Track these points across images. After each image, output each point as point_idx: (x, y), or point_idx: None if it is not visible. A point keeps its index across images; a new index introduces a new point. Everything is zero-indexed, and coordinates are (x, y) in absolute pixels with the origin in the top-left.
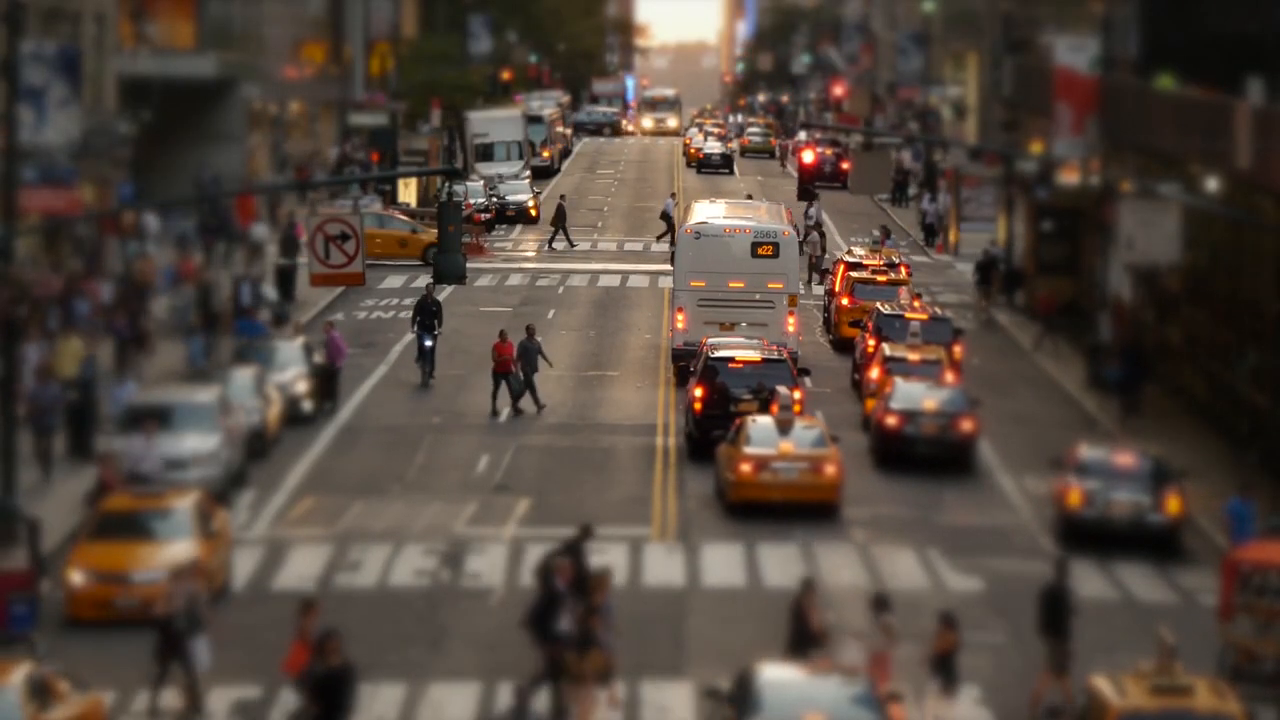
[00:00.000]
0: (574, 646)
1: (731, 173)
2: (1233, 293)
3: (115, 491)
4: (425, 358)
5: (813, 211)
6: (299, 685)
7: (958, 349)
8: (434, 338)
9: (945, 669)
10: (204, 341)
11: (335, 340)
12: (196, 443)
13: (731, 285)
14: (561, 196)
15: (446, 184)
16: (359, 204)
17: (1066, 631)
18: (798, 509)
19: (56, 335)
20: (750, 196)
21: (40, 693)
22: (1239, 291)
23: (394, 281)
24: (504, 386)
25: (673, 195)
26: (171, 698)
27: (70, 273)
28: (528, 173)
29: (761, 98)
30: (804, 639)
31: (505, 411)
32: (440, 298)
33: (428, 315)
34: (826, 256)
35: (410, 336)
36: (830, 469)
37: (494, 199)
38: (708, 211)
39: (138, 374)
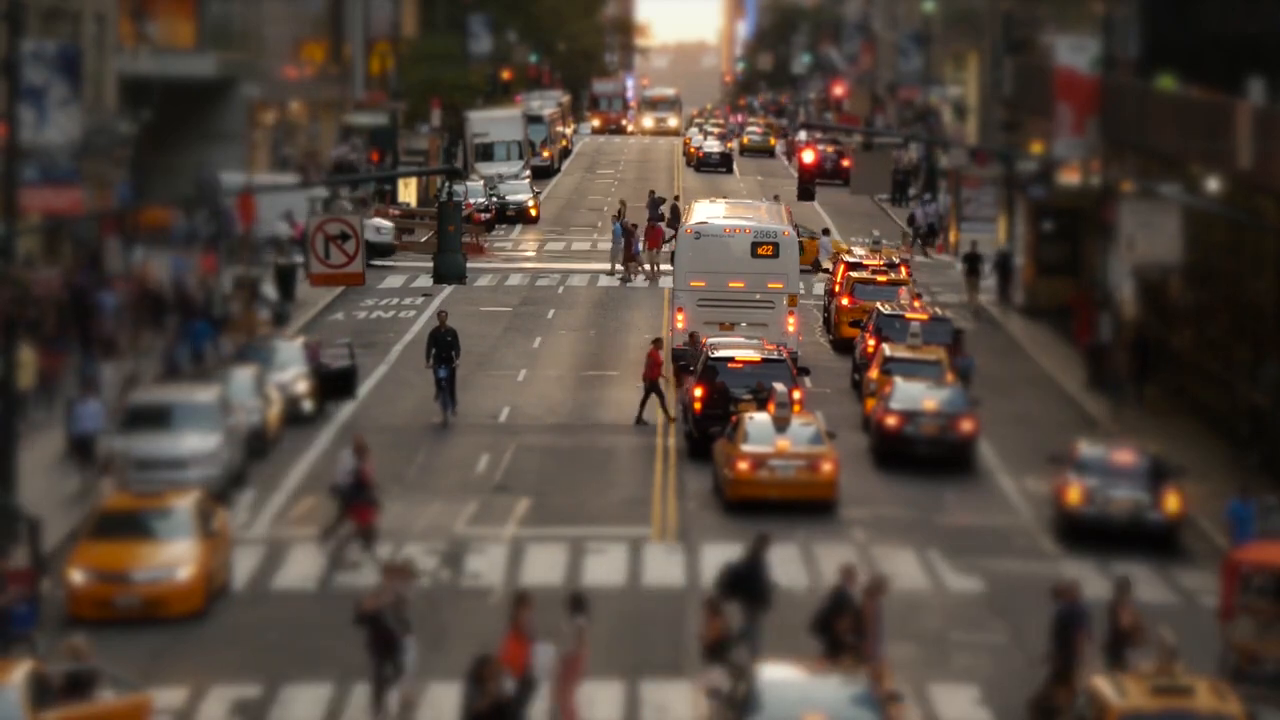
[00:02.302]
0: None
1: (731, 172)
2: (1234, 294)
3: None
4: (444, 392)
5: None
6: (520, 683)
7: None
8: (451, 370)
9: (717, 657)
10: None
11: (313, 351)
12: (196, 443)
13: (731, 285)
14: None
15: (446, 184)
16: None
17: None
18: (795, 506)
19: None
20: (777, 197)
21: (40, 692)
22: (1240, 293)
23: (394, 281)
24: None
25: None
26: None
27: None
28: (528, 173)
29: (761, 98)
30: (1117, 639)
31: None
32: (438, 297)
33: (443, 347)
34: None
35: (409, 335)
36: (827, 467)
37: (494, 199)
38: (708, 211)
39: (100, 389)
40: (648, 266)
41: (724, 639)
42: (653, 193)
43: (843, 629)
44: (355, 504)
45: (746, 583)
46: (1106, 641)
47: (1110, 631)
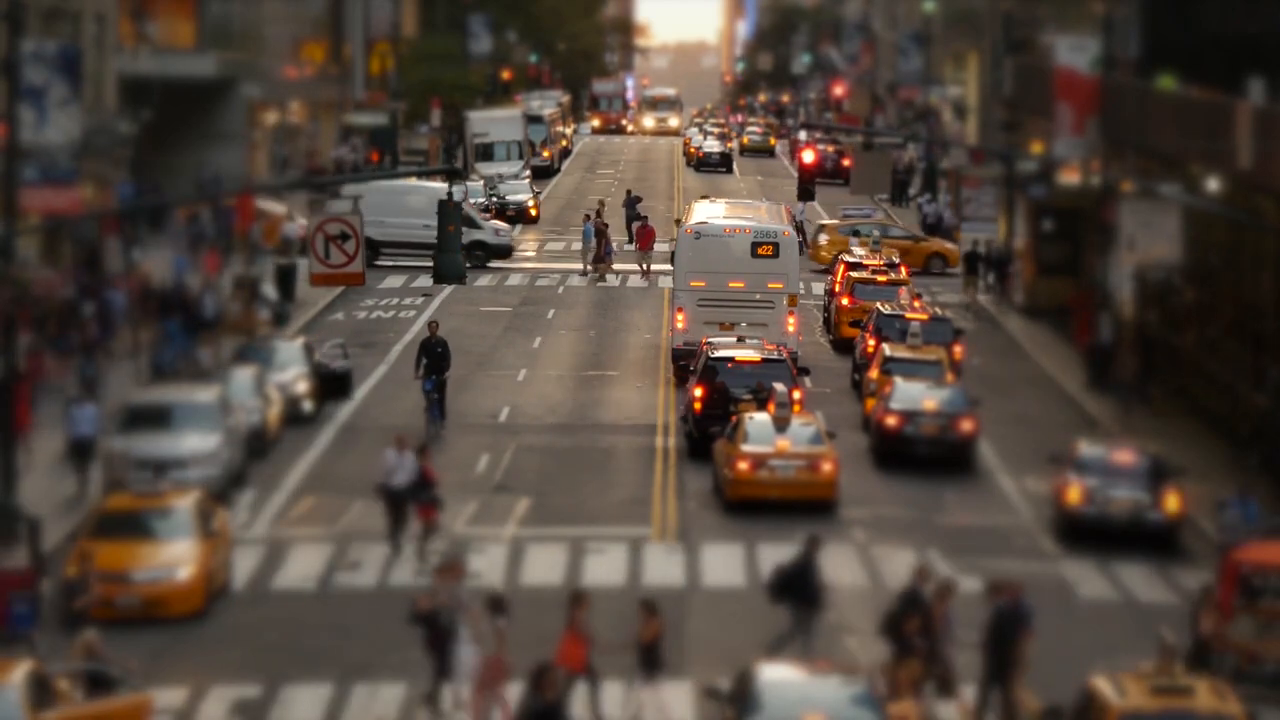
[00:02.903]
0: (922, 655)
1: (731, 172)
2: (1234, 294)
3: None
4: (433, 406)
5: (798, 210)
6: (585, 679)
7: (958, 349)
8: (441, 384)
9: (649, 658)
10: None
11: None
12: (196, 443)
13: (731, 285)
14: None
15: (447, 184)
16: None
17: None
18: (795, 506)
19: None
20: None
21: (41, 692)
22: (1240, 293)
23: (394, 281)
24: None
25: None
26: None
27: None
28: (528, 173)
29: (761, 98)
30: (1200, 647)
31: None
32: (438, 297)
33: (434, 358)
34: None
35: (409, 335)
36: (827, 467)
37: (494, 199)
38: (708, 211)
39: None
40: (642, 266)
41: (658, 640)
42: (629, 192)
43: (911, 630)
44: (420, 503)
45: (797, 584)
46: (1190, 650)
47: (1192, 639)
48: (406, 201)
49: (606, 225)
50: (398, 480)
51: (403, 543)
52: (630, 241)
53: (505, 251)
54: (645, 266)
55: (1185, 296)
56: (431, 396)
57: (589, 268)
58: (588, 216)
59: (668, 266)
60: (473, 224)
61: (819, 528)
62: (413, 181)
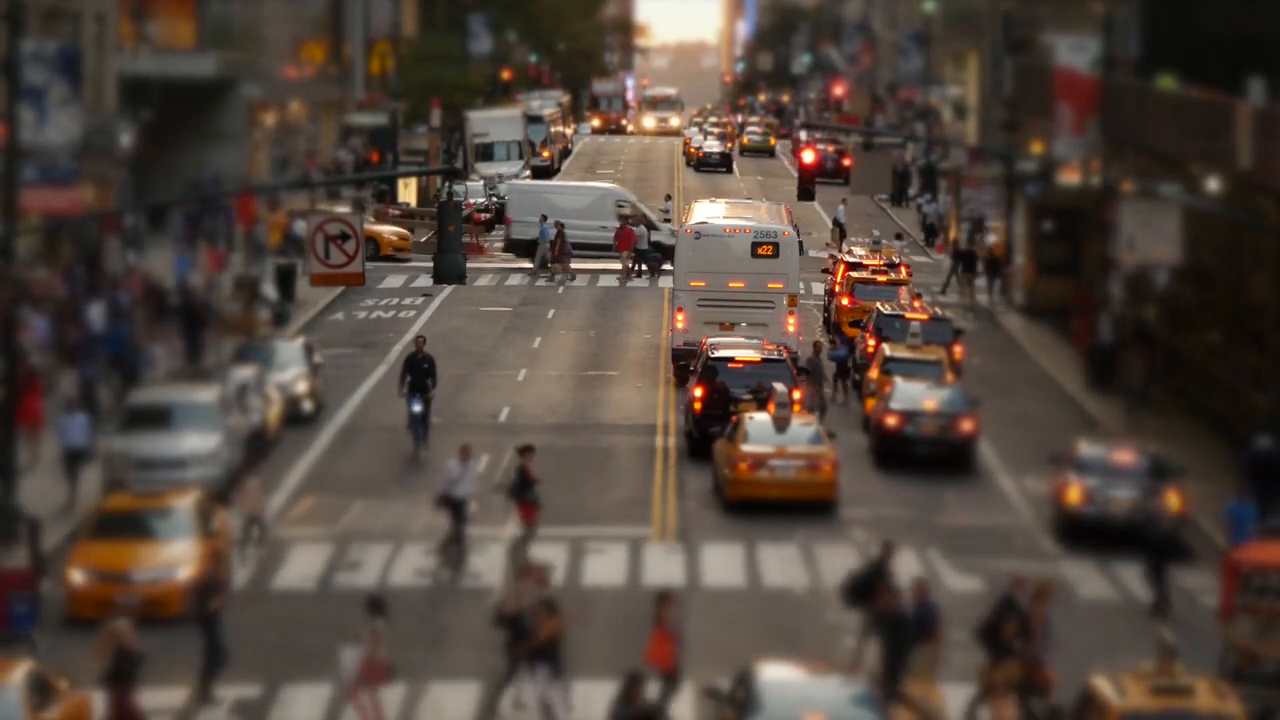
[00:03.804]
0: (1021, 658)
1: (730, 172)
2: (1234, 294)
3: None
4: (417, 425)
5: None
6: (665, 679)
7: (958, 349)
8: (426, 401)
9: (550, 657)
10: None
11: None
12: (196, 443)
13: (731, 285)
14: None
15: (446, 184)
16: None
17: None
18: (795, 506)
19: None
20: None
21: (41, 691)
22: (1240, 293)
23: (394, 281)
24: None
25: (844, 201)
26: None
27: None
28: (528, 173)
29: (761, 98)
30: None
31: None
32: (438, 297)
33: (419, 375)
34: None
35: (409, 336)
36: (827, 467)
37: (494, 199)
38: (708, 211)
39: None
40: (626, 266)
41: (557, 639)
42: None
43: (1009, 634)
44: (522, 502)
45: (870, 589)
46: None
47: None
48: (564, 203)
49: (561, 225)
50: (460, 490)
51: (457, 550)
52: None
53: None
54: (628, 266)
55: (1185, 297)
56: (416, 416)
57: (550, 266)
58: (544, 216)
59: (666, 266)
60: (651, 225)
61: (818, 527)
62: (570, 182)
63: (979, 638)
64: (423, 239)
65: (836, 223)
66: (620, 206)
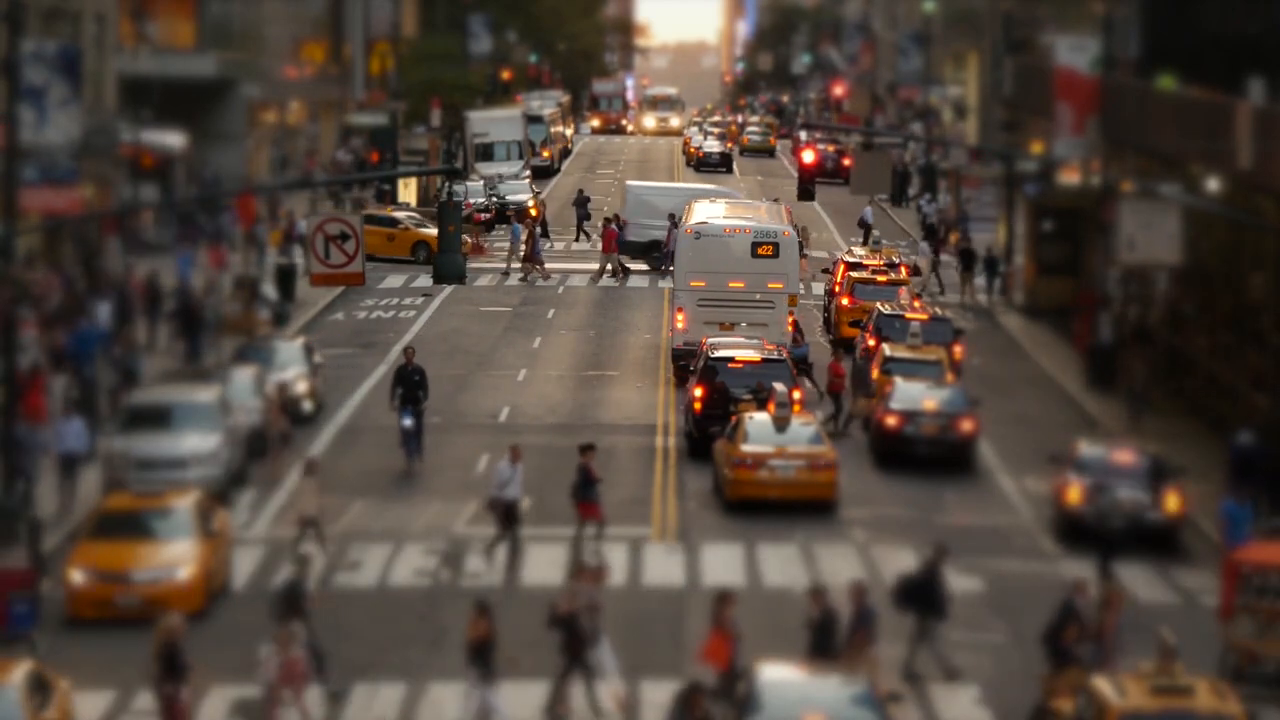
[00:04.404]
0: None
1: (730, 172)
2: (1234, 294)
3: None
4: (410, 439)
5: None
6: (721, 679)
7: (958, 349)
8: (418, 414)
9: (480, 658)
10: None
11: None
12: (196, 443)
13: (731, 285)
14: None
15: (446, 184)
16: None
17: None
18: (794, 506)
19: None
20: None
21: (40, 691)
22: (1240, 293)
23: (394, 281)
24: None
25: (870, 202)
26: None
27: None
28: (528, 173)
29: (762, 98)
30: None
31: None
32: (438, 297)
33: (410, 387)
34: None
35: (409, 336)
36: (827, 467)
37: (494, 199)
38: (708, 211)
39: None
40: (603, 266)
41: (486, 641)
42: (581, 191)
43: (1069, 640)
44: (583, 501)
45: (922, 593)
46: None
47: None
48: (675, 204)
49: (533, 222)
50: (511, 493)
51: (495, 553)
52: (577, 239)
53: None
54: (611, 268)
55: (1185, 298)
56: (408, 430)
57: (513, 266)
58: (514, 216)
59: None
60: None
61: (818, 527)
62: (683, 184)
63: (1042, 643)
64: None
65: (863, 223)
66: None
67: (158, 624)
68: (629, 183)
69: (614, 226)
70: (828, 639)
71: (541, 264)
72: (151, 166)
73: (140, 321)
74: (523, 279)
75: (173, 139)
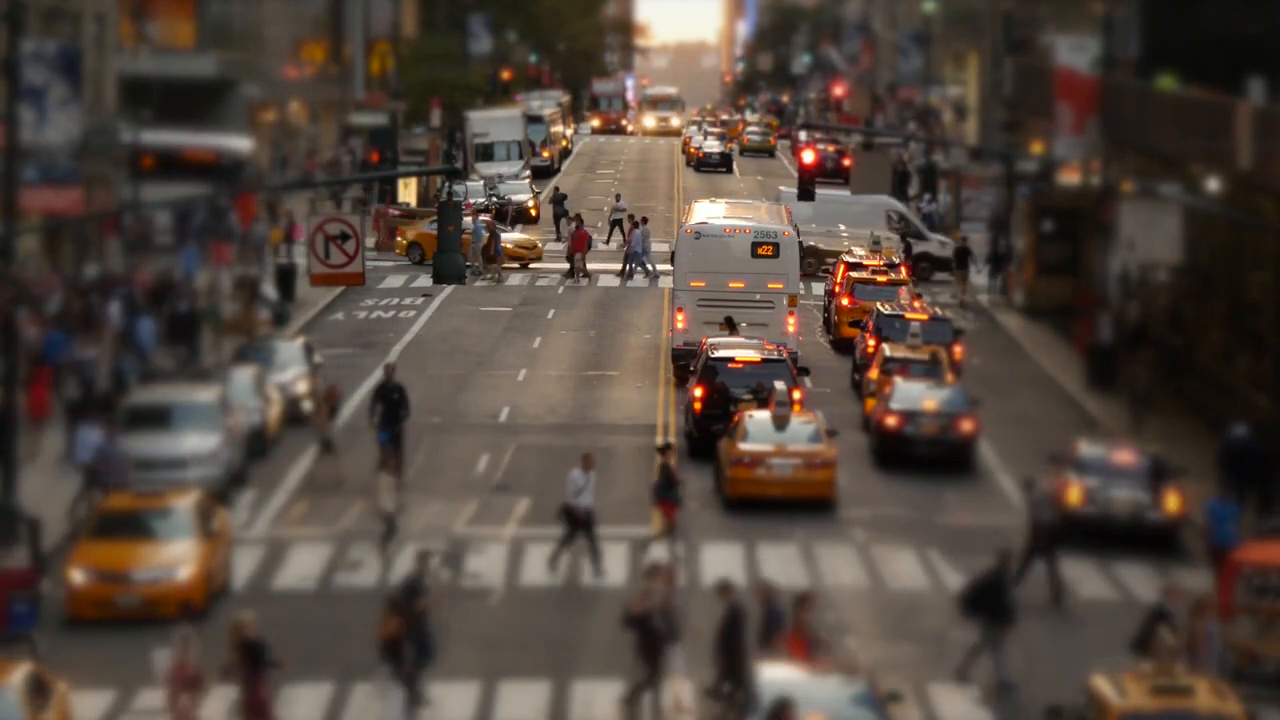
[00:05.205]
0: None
1: (730, 172)
2: (1234, 294)
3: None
4: (389, 459)
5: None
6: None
7: (958, 349)
8: (397, 434)
9: (393, 655)
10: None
11: None
12: (196, 443)
13: (731, 285)
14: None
15: (446, 184)
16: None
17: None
18: (794, 504)
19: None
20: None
21: (40, 693)
22: (1240, 293)
23: (394, 281)
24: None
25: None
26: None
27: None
28: (528, 173)
29: (762, 98)
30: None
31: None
32: (438, 297)
33: (389, 405)
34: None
35: (409, 336)
36: (826, 465)
37: (494, 199)
38: (708, 211)
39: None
40: (577, 267)
41: (397, 638)
42: (556, 189)
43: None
44: (664, 501)
45: (990, 598)
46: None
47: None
48: (836, 211)
49: (493, 221)
50: (584, 500)
51: (594, 553)
52: (557, 238)
53: (947, 264)
54: (578, 268)
55: (1185, 298)
56: (387, 448)
57: (487, 267)
58: (477, 213)
59: (666, 267)
60: (920, 236)
61: (818, 527)
62: (842, 192)
63: (1132, 649)
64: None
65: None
66: (891, 217)
67: (230, 620)
68: (783, 190)
69: (585, 228)
70: (735, 637)
71: (501, 263)
72: (212, 166)
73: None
74: (490, 278)
75: (240, 143)
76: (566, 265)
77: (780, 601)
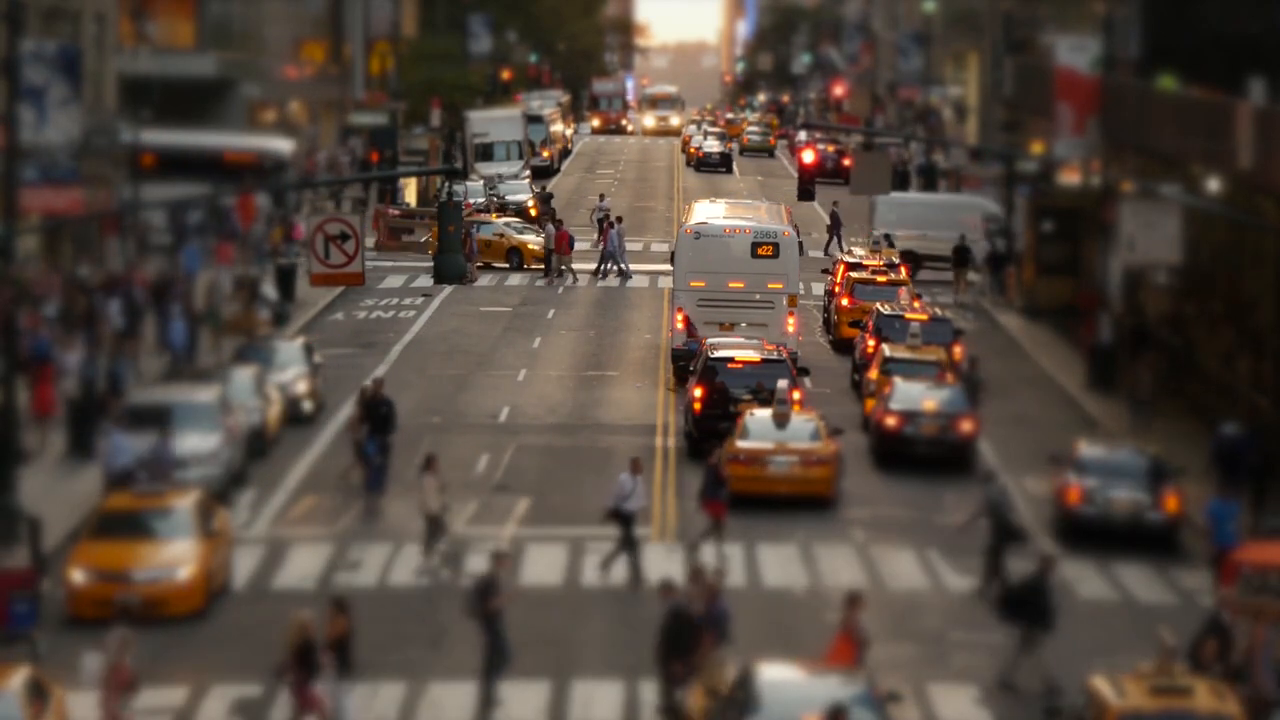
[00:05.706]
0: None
1: (730, 172)
2: (1234, 294)
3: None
4: (374, 474)
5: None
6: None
7: (958, 349)
8: (384, 448)
9: (340, 655)
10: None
11: None
12: (196, 443)
13: (731, 285)
14: (835, 203)
15: (446, 184)
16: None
17: None
18: (793, 503)
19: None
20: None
21: (39, 697)
22: (1239, 293)
23: (394, 281)
24: None
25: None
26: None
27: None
28: (528, 172)
29: (762, 98)
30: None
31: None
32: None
33: (377, 420)
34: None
35: (409, 336)
36: (825, 463)
37: (494, 199)
38: (708, 211)
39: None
40: (557, 268)
41: (344, 638)
42: (544, 187)
43: (1208, 654)
44: (711, 500)
45: (1029, 604)
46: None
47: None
48: (930, 215)
49: (472, 229)
50: (632, 505)
51: (632, 559)
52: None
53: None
54: (559, 269)
55: (1185, 298)
56: (373, 461)
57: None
58: (476, 212)
59: (666, 267)
60: (1007, 236)
61: (818, 527)
62: (939, 195)
63: (1186, 658)
64: (421, 239)
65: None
66: (988, 221)
67: (291, 619)
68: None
69: (566, 229)
70: (679, 636)
71: (474, 265)
72: (253, 168)
73: (148, 319)
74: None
75: (281, 144)
76: (591, 266)
77: (724, 602)
